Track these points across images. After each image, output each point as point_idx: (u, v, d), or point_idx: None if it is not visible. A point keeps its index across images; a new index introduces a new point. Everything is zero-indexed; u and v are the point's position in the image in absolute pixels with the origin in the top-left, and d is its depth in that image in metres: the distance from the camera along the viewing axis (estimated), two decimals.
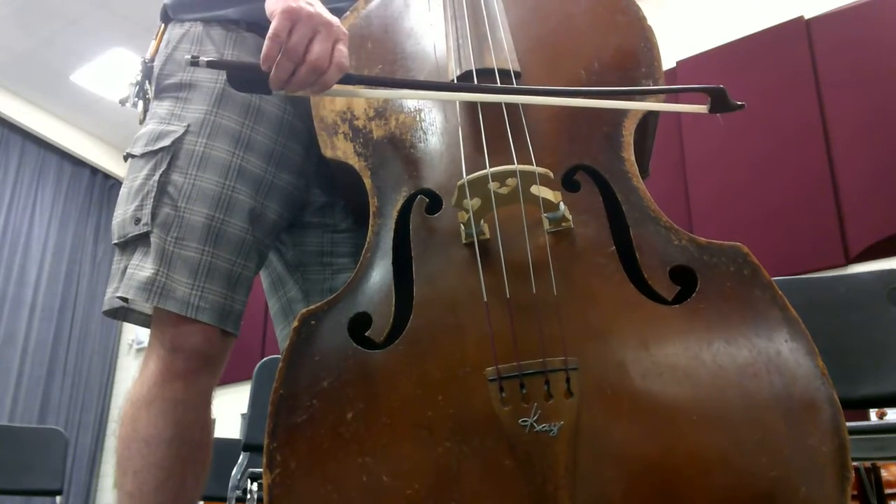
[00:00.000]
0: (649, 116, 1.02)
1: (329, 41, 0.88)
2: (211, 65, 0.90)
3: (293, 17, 0.86)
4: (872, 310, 1.70)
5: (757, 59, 3.75)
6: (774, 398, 0.75)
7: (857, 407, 2.06)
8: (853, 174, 3.38)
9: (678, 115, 3.85)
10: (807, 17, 3.72)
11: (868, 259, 3.24)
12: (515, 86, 1.00)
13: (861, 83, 3.42)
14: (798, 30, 3.71)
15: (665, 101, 1.02)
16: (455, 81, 1.02)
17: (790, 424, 0.73)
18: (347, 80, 0.92)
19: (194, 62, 0.88)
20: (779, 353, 0.77)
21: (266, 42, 0.86)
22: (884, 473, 2.08)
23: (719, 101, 0.94)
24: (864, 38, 3.49)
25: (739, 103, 0.93)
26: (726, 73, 3.82)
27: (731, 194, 3.62)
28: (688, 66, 3.96)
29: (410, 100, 1.04)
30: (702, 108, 0.96)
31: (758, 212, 3.51)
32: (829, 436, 0.73)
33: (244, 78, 0.90)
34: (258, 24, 1.14)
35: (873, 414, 2.65)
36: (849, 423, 0.75)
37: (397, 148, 1.01)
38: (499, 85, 1.00)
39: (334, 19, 0.89)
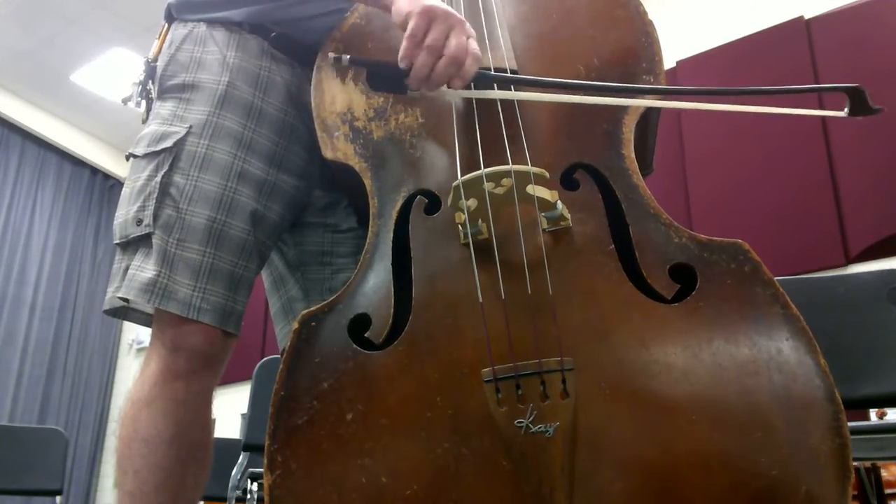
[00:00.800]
0: (651, 112, 1.01)
1: (465, 35, 0.92)
2: (353, 62, 0.93)
3: (430, 16, 0.91)
4: (872, 310, 1.70)
5: (757, 59, 3.75)
6: (774, 397, 0.74)
7: (857, 407, 2.06)
8: (853, 174, 3.37)
9: (678, 114, 3.85)
10: (807, 17, 3.72)
11: (868, 259, 3.24)
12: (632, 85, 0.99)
13: (861, 83, 3.41)
14: (798, 30, 3.70)
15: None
16: None
17: (790, 423, 0.73)
18: (485, 77, 0.95)
19: (337, 60, 0.92)
20: (779, 351, 0.76)
21: (405, 42, 0.91)
22: (884, 473, 2.07)
23: (859, 103, 0.90)
24: (864, 38, 3.49)
25: (878, 107, 0.89)
26: (726, 73, 3.82)
27: (731, 194, 3.61)
28: (688, 66, 3.95)
29: (410, 99, 1.04)
30: (840, 113, 0.92)
31: (758, 211, 3.51)
32: (830, 435, 0.72)
33: (384, 77, 0.94)
34: (261, 27, 1.15)
35: (873, 414, 2.65)
36: (849, 423, 0.74)
37: (397, 148, 1.01)
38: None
39: (462, 15, 0.94)
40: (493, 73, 0.98)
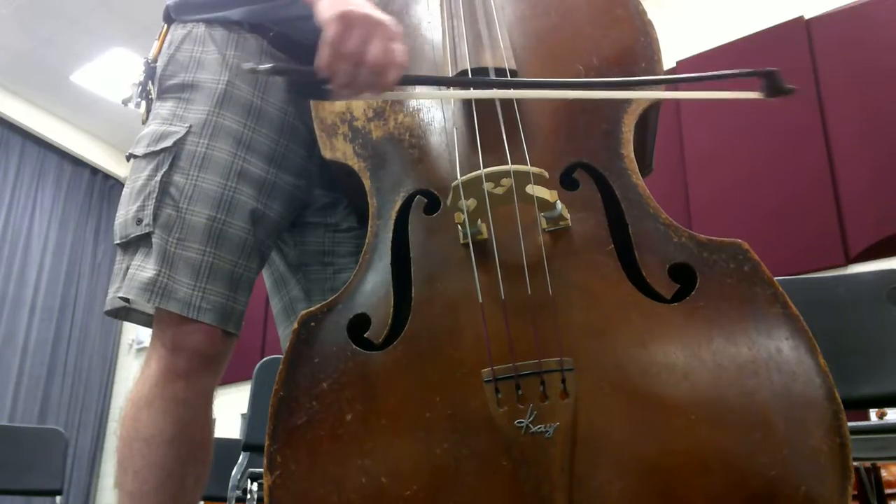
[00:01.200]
0: (650, 111, 1.01)
1: (385, 40, 0.87)
2: (272, 71, 0.89)
3: (348, 22, 0.86)
4: (872, 310, 1.69)
5: (757, 59, 3.75)
6: (774, 396, 0.74)
7: (857, 407, 2.06)
8: (853, 174, 3.37)
9: (678, 114, 3.85)
10: (807, 17, 3.72)
11: (868, 259, 3.24)
12: (591, 80, 0.99)
13: (861, 83, 3.42)
14: (798, 30, 3.70)
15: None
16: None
17: (790, 423, 0.73)
18: (410, 80, 0.92)
19: (253, 71, 0.88)
20: (779, 351, 0.76)
21: (323, 49, 0.86)
22: (884, 473, 2.07)
23: (772, 85, 0.91)
24: (864, 38, 3.48)
25: (792, 87, 0.90)
26: None
27: (731, 194, 3.61)
28: (688, 66, 3.95)
29: (422, 99, 1.04)
30: (756, 94, 0.93)
31: (758, 212, 3.51)
32: (830, 435, 0.72)
33: (305, 85, 0.90)
34: (261, 26, 1.15)
35: (873, 414, 2.64)
36: (849, 423, 0.74)
37: (396, 148, 1.01)
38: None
39: (387, 17, 0.89)
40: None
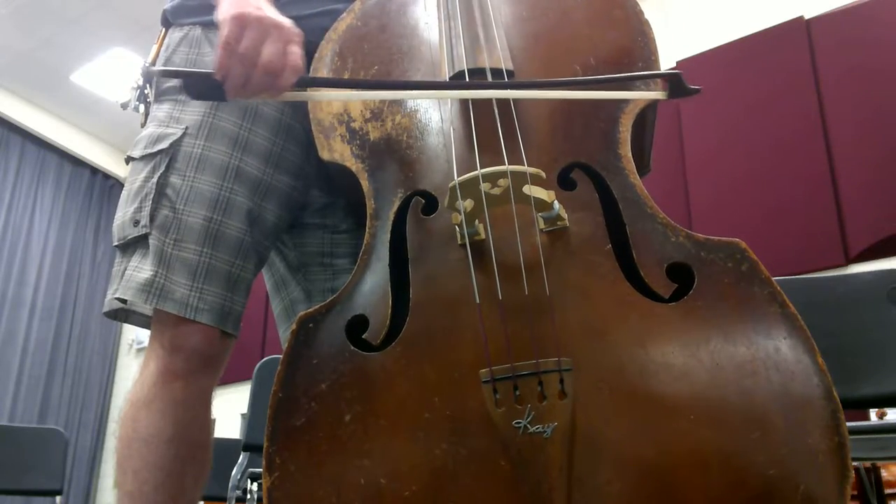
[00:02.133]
0: (647, 111, 1.01)
1: (280, 43, 0.86)
2: (165, 74, 0.88)
3: (242, 23, 0.85)
4: (872, 310, 1.70)
5: (757, 59, 3.75)
6: (773, 396, 0.74)
7: (857, 407, 2.06)
8: (853, 174, 3.38)
9: (678, 114, 3.85)
10: (807, 17, 3.72)
11: (868, 259, 3.24)
12: (469, 81, 1.00)
13: (861, 83, 3.42)
14: (798, 30, 3.70)
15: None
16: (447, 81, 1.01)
17: (789, 422, 0.73)
18: (304, 82, 0.91)
19: (148, 72, 0.86)
20: (777, 350, 0.76)
21: (217, 50, 0.85)
22: (884, 473, 2.07)
23: (677, 87, 0.94)
24: (864, 38, 3.49)
25: (695, 87, 0.93)
26: (726, 73, 3.82)
27: (731, 194, 3.61)
28: (688, 66, 3.95)
29: (407, 100, 1.04)
30: (661, 94, 0.95)
31: (758, 212, 3.51)
32: (829, 434, 0.72)
33: (200, 86, 0.88)
34: None
35: (873, 414, 2.64)
36: (849, 423, 0.74)
37: (394, 149, 1.01)
38: (454, 81, 1.00)
39: (285, 21, 0.88)
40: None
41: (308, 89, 0.95)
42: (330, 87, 1.01)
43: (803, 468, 0.71)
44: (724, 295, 0.80)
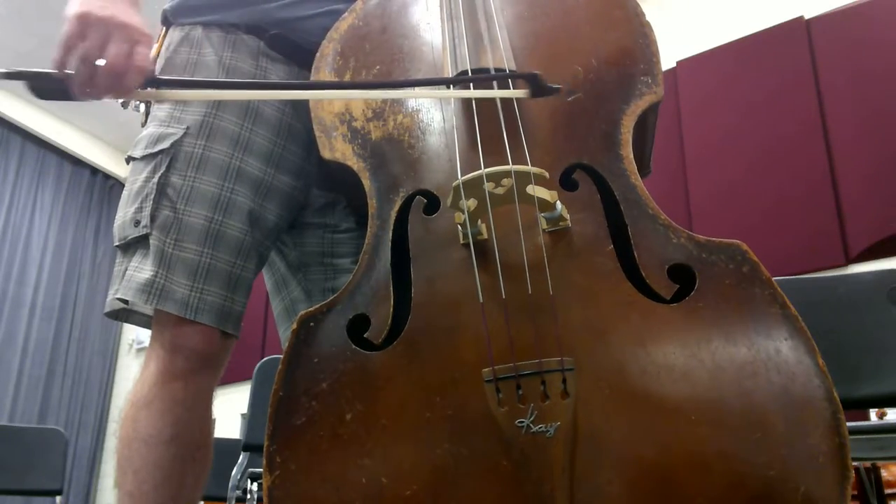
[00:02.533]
0: (648, 113, 1.02)
1: (125, 43, 0.84)
2: (7, 76, 0.86)
3: (84, 22, 0.84)
4: (872, 310, 1.70)
5: (757, 59, 3.75)
6: (773, 397, 0.74)
7: (857, 407, 2.06)
8: (853, 174, 3.37)
9: (678, 115, 3.85)
10: (807, 17, 3.72)
11: (868, 259, 3.24)
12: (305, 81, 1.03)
13: (861, 83, 3.42)
14: (798, 30, 3.70)
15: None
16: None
17: (789, 423, 0.73)
18: (155, 83, 0.89)
19: None
20: (778, 351, 0.76)
21: (57, 49, 0.84)
22: (884, 473, 2.07)
23: (537, 87, 0.94)
24: (864, 38, 3.48)
25: (556, 86, 0.94)
26: (726, 73, 3.82)
27: (731, 194, 3.61)
28: (688, 66, 3.96)
29: (409, 99, 1.04)
30: (522, 93, 0.95)
31: (757, 212, 3.51)
32: (829, 434, 0.72)
33: (45, 86, 0.86)
34: (258, 28, 1.15)
35: (873, 414, 2.64)
36: (849, 423, 0.74)
37: (395, 149, 1.01)
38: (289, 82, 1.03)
39: (132, 20, 0.87)
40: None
41: (161, 89, 0.94)
42: (182, 87, 1.00)
43: (804, 469, 0.72)
44: (726, 296, 0.80)
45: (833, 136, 3.46)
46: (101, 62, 0.84)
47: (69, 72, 0.84)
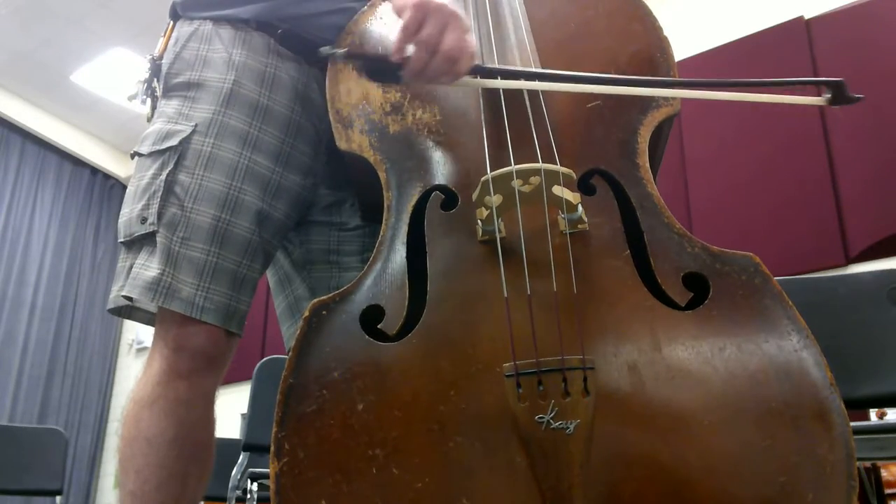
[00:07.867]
0: (664, 125, 1.03)
1: (460, 31, 0.91)
2: (348, 56, 0.94)
3: (424, 10, 0.90)
4: (872, 310, 1.70)
5: (757, 59, 3.76)
6: (784, 406, 0.76)
7: (857, 407, 2.06)
8: (853, 174, 3.38)
9: (679, 115, 3.85)
10: (807, 17, 3.72)
11: (868, 259, 3.24)
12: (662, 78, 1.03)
13: (861, 83, 3.41)
14: (798, 30, 3.71)
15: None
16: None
17: (799, 432, 0.74)
18: (481, 71, 0.95)
19: (332, 55, 0.94)
20: (788, 363, 0.78)
21: (398, 34, 0.90)
22: (884, 473, 2.08)
23: (839, 94, 0.94)
24: (864, 38, 3.49)
25: (859, 96, 0.94)
26: (726, 74, 3.82)
27: (731, 194, 3.62)
28: (688, 66, 3.95)
29: (428, 93, 1.04)
30: (821, 101, 0.96)
31: (758, 212, 3.51)
32: (838, 445, 0.73)
33: (380, 69, 0.95)
34: (269, 24, 1.14)
35: (873, 414, 2.65)
36: None
37: (413, 143, 1.01)
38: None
39: (458, 9, 0.92)
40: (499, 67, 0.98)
41: (478, 77, 0.98)
42: (503, 76, 1.01)
43: (813, 477, 0.73)
44: (738, 306, 0.82)
45: (833, 137, 3.46)
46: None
47: (406, 56, 0.90)
